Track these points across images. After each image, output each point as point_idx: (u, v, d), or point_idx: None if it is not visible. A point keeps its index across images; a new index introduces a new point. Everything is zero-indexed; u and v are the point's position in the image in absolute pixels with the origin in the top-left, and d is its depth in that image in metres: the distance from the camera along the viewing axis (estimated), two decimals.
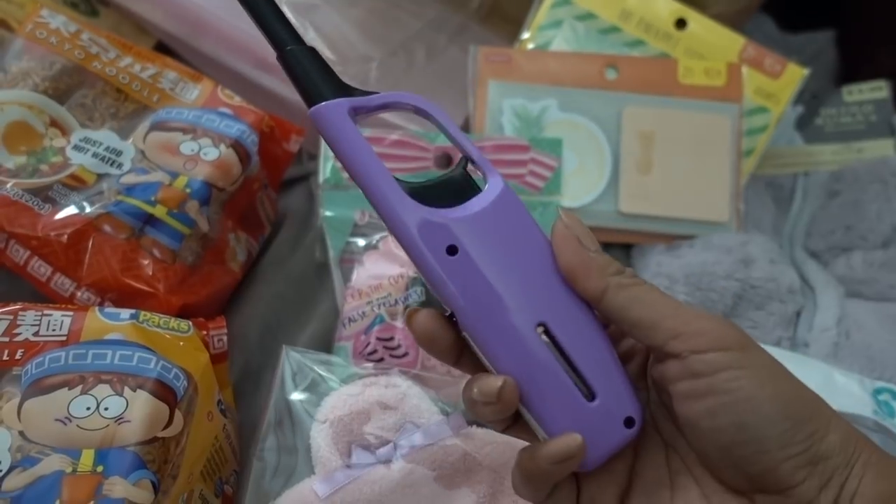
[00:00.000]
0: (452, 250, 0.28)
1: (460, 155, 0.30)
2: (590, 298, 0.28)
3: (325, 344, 0.48)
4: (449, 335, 0.29)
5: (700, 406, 0.27)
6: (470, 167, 0.30)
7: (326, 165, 0.53)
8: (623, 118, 0.57)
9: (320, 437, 0.40)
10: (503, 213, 0.29)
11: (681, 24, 0.60)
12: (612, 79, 0.58)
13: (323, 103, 0.29)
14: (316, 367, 0.42)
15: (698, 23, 0.60)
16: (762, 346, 0.29)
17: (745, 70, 0.58)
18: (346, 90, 0.30)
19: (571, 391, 0.28)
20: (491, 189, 0.29)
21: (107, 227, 0.43)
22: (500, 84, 0.58)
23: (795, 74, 0.59)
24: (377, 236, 0.51)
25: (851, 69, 0.75)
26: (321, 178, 0.53)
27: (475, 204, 0.29)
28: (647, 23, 0.60)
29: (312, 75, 0.30)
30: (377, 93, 0.30)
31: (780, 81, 0.59)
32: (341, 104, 0.29)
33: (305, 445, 0.41)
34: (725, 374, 0.26)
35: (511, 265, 0.28)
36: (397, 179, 0.28)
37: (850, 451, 0.27)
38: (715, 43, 0.60)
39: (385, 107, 0.30)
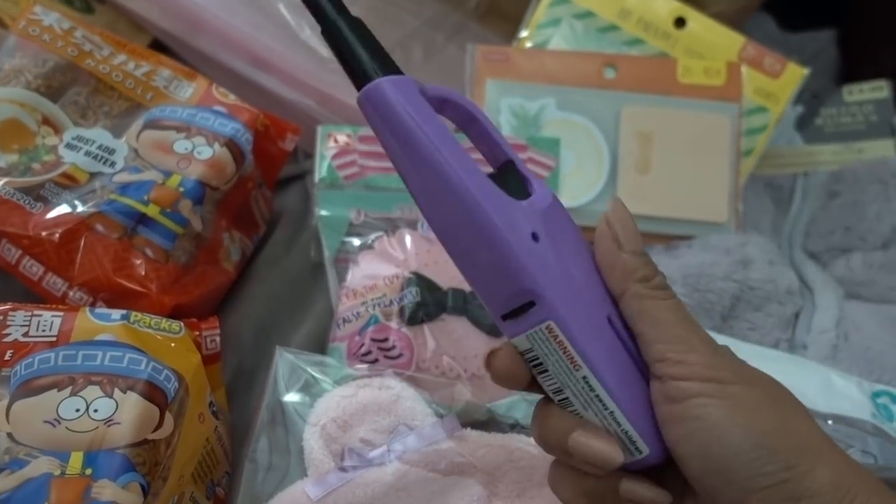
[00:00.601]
0: (535, 237, 0.27)
1: (503, 159, 0.29)
2: (615, 298, 0.28)
3: (320, 344, 0.48)
4: (526, 369, 0.29)
5: (672, 432, 0.27)
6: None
7: (322, 164, 0.53)
8: (621, 118, 0.56)
9: (313, 440, 0.40)
10: (561, 211, 0.29)
11: (680, 22, 0.60)
12: (611, 78, 0.58)
13: (392, 77, 0.27)
14: (309, 369, 0.42)
15: (698, 22, 0.60)
16: (762, 351, 0.28)
17: (744, 69, 0.57)
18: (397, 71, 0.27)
19: (643, 384, 0.28)
20: (542, 191, 0.28)
21: (99, 227, 0.43)
22: (498, 83, 0.57)
23: (795, 74, 0.59)
24: (372, 236, 0.51)
25: (852, 69, 0.74)
26: (317, 178, 0.52)
27: (539, 200, 0.28)
28: (647, 21, 0.60)
29: (371, 46, 0.27)
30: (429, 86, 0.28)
31: (780, 81, 0.59)
32: (409, 81, 0.27)
33: (298, 447, 0.40)
34: (695, 401, 0.26)
35: (578, 259, 0.28)
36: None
37: (845, 490, 0.25)
38: (714, 42, 0.59)
39: (444, 102, 0.28)
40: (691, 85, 0.57)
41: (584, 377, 0.27)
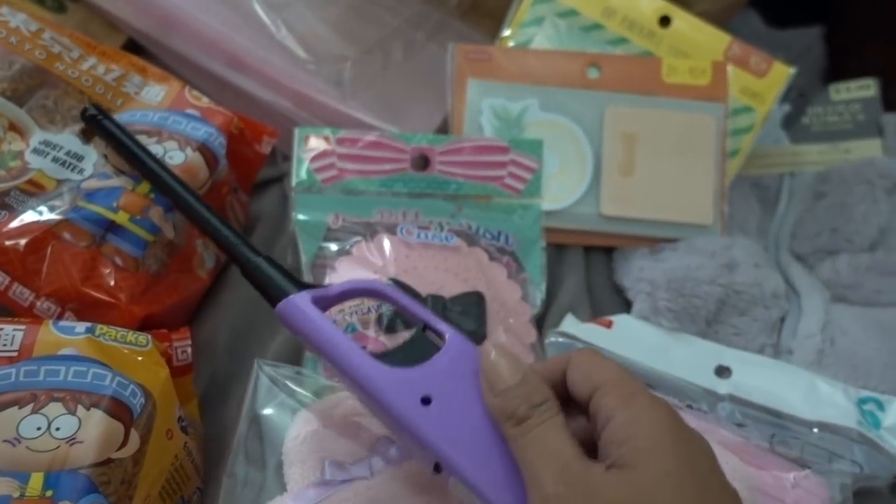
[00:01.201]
0: (427, 400, 0.31)
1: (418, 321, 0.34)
2: None
3: (297, 353, 0.47)
4: None
5: None
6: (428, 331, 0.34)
7: (300, 167, 0.51)
8: (605, 118, 0.55)
9: (292, 454, 0.39)
10: (470, 356, 0.32)
11: (665, 21, 0.59)
12: (595, 78, 0.56)
13: (286, 298, 0.34)
14: (288, 382, 0.41)
15: (683, 20, 0.59)
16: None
17: (730, 69, 0.56)
18: (306, 286, 0.35)
19: None
20: (454, 342, 0.33)
21: (66, 235, 0.42)
22: (480, 83, 0.56)
23: (781, 73, 0.58)
24: (351, 241, 0.50)
25: (839, 65, 0.74)
26: (294, 181, 0.51)
27: (444, 356, 0.32)
28: (631, 20, 0.58)
29: (273, 279, 0.36)
30: (332, 284, 0.36)
31: (766, 80, 0.58)
32: (303, 296, 0.34)
33: (277, 461, 0.39)
34: None
35: (474, 409, 0.31)
36: (371, 354, 0.32)
37: None
38: (700, 41, 0.58)
39: (344, 295, 0.36)
40: (676, 84, 0.56)
41: None
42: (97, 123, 0.44)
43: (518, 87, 0.56)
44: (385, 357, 0.32)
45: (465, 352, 0.32)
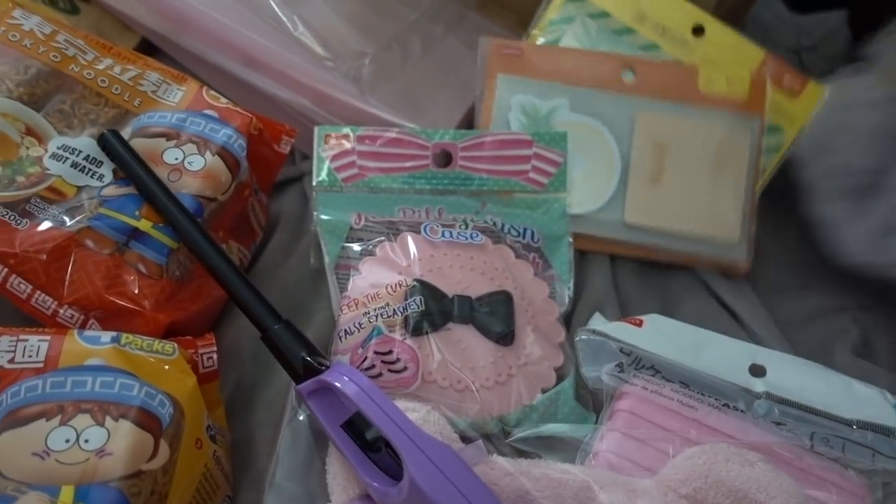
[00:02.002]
0: None
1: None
2: None
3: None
4: None
5: None
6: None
7: (321, 167, 0.51)
8: (637, 124, 0.54)
9: (336, 464, 0.38)
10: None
11: (698, 31, 0.57)
12: (629, 81, 0.55)
13: (301, 385, 0.38)
14: None
15: (717, 31, 0.56)
16: None
17: (768, 83, 0.54)
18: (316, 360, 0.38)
19: None
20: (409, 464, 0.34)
21: (89, 242, 0.41)
22: (510, 78, 0.55)
23: (815, 93, 0.55)
24: (374, 240, 0.49)
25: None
26: (315, 180, 0.50)
27: (406, 479, 0.34)
28: (664, 27, 0.56)
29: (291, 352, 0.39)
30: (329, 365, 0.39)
31: (799, 101, 0.56)
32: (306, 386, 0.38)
33: (321, 471, 0.39)
34: None
35: None
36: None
37: None
38: (733, 54, 0.56)
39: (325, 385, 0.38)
40: (712, 94, 0.54)
41: None
42: (117, 155, 0.44)
43: (549, 85, 0.54)
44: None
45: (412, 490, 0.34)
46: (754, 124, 0.54)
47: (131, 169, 0.43)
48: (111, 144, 0.43)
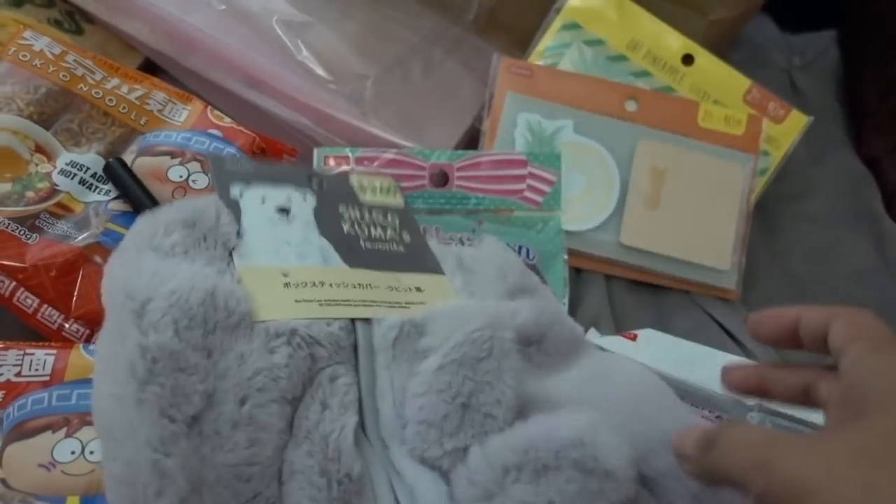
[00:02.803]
0: None
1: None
2: None
3: None
4: None
5: None
6: None
7: None
8: (637, 150, 0.56)
9: None
10: None
11: (688, 59, 0.59)
12: (632, 110, 0.57)
13: None
14: None
15: (706, 60, 0.59)
16: None
17: (765, 122, 0.57)
18: None
19: None
20: None
21: (97, 258, 0.42)
22: (518, 97, 0.57)
23: (798, 121, 0.58)
24: None
25: (855, 70, 0.73)
26: None
27: None
28: (655, 55, 0.59)
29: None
30: None
31: (783, 126, 0.58)
32: None
33: None
34: None
35: None
36: None
37: None
38: (720, 82, 0.59)
39: None
40: (710, 130, 0.56)
41: None
42: (122, 184, 0.45)
43: (555, 106, 0.56)
44: None
45: None
46: (748, 162, 0.56)
47: (136, 198, 0.44)
48: (116, 173, 0.45)
